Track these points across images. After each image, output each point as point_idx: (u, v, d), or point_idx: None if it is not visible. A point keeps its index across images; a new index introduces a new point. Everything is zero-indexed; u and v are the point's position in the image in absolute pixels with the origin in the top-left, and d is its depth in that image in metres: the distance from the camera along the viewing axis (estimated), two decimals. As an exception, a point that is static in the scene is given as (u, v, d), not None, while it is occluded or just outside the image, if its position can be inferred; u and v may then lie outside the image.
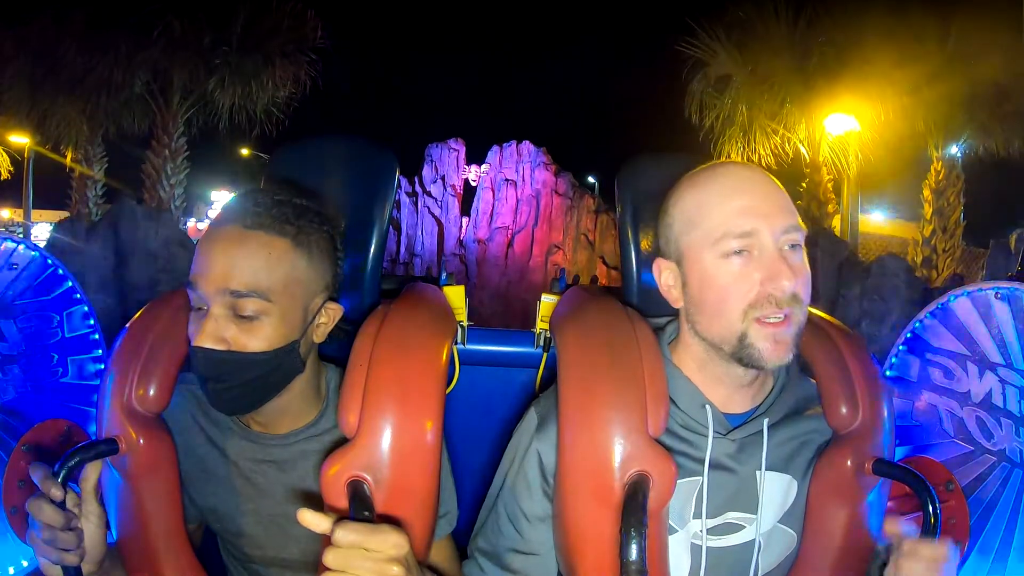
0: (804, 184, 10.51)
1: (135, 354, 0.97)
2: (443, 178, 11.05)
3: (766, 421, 0.92)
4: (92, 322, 1.34)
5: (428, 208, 10.93)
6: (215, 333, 0.86)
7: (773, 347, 0.84)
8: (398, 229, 10.84)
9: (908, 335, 1.39)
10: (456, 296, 1.21)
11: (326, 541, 0.75)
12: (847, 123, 9.71)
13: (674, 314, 1.00)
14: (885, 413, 0.95)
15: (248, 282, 0.86)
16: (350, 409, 0.87)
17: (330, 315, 0.96)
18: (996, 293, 1.24)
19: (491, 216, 10.78)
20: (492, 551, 0.99)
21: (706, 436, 0.91)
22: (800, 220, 0.88)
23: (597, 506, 0.84)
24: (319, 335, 0.96)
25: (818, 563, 0.93)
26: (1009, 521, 1.19)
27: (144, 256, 6.75)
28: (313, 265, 0.93)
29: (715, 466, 0.92)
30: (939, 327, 1.33)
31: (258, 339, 0.88)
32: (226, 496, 1.02)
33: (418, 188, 11.07)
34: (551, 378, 0.99)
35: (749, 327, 0.84)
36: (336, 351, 1.02)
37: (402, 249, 10.84)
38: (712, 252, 0.86)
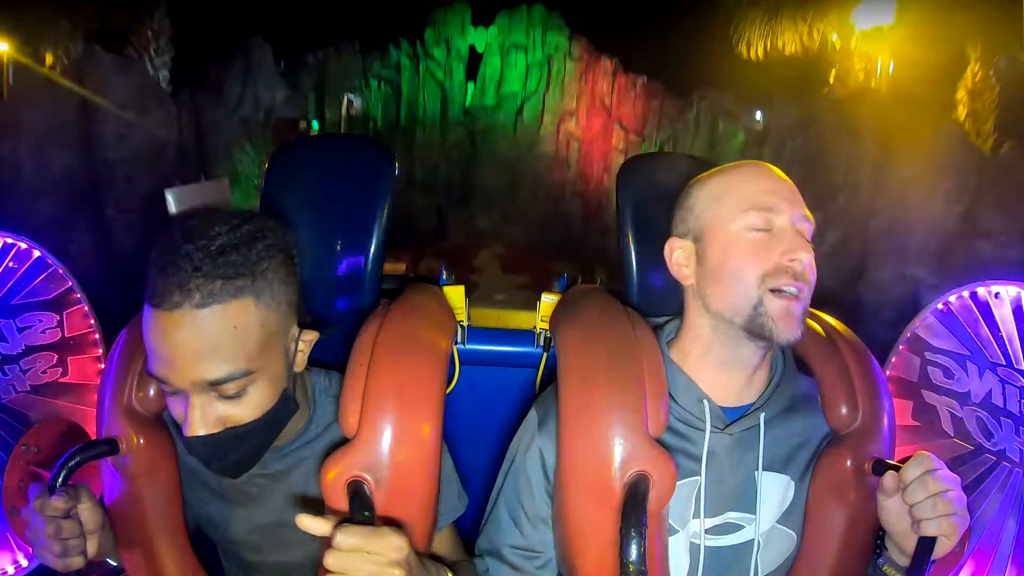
0: (833, 73, 9.56)
1: (135, 354, 0.97)
2: (447, 41, 10.10)
3: (763, 415, 0.93)
4: (92, 322, 1.34)
5: (431, 73, 9.90)
6: (205, 420, 0.80)
7: (785, 319, 0.87)
8: (398, 95, 10.19)
9: (908, 335, 1.39)
10: (456, 296, 1.21)
11: (326, 543, 0.75)
12: (882, 8, 8.89)
13: (672, 314, 1.03)
14: (885, 413, 0.95)
15: (224, 369, 0.78)
16: (350, 409, 0.87)
17: (307, 343, 0.91)
18: (996, 293, 1.24)
19: (499, 83, 10.05)
20: (494, 549, 0.99)
21: (703, 431, 0.92)
22: (810, 214, 0.93)
23: (597, 506, 0.84)
24: (299, 364, 0.91)
25: (818, 563, 0.93)
26: (1009, 521, 1.19)
27: (112, 110, 5.76)
28: (278, 303, 0.84)
29: (713, 462, 0.92)
30: (939, 327, 1.33)
31: (250, 408, 0.83)
32: (220, 505, 1.01)
33: (420, 51, 10.03)
34: (551, 378, 0.98)
35: (764, 295, 0.88)
36: (325, 354, 1.01)
37: (402, 114, 10.19)
38: (737, 223, 0.90)
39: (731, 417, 0.94)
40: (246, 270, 0.79)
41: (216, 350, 0.77)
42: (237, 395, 0.81)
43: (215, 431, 0.81)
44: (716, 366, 0.94)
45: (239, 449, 0.85)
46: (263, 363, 0.82)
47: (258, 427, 0.85)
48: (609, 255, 4.31)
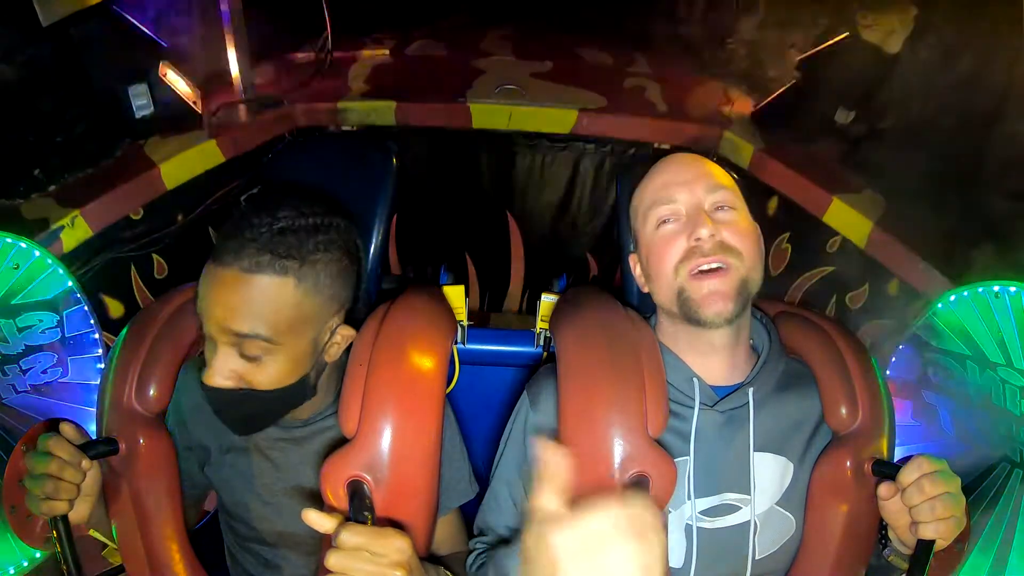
0: None
1: (135, 354, 0.98)
2: None
3: (751, 390, 0.94)
4: (92, 322, 1.34)
5: None
6: (223, 370, 0.85)
7: (708, 299, 0.88)
8: None
9: (909, 335, 1.39)
10: (456, 296, 1.21)
11: (327, 542, 0.75)
12: None
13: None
14: (885, 414, 0.95)
15: (250, 326, 0.83)
16: (350, 410, 0.87)
17: (343, 337, 0.94)
18: (996, 293, 1.24)
19: None
20: (491, 529, 1.01)
21: (693, 408, 0.93)
22: (730, 180, 0.95)
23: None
24: (331, 355, 0.95)
25: (819, 560, 0.93)
26: (1009, 521, 1.19)
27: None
28: (321, 294, 0.88)
29: (703, 440, 0.93)
30: (939, 327, 1.33)
31: (266, 376, 0.87)
32: (243, 469, 1.04)
33: None
34: (551, 378, 0.98)
35: (685, 282, 0.90)
36: None
37: None
38: (648, 225, 0.96)
39: (721, 395, 0.95)
40: (296, 254, 0.85)
41: (248, 309, 0.83)
42: (256, 358, 0.85)
43: (228, 385, 0.85)
44: (689, 351, 0.97)
45: (246, 410, 0.89)
46: (288, 340, 0.86)
47: (268, 399, 0.88)
48: (658, 42, 3.13)
